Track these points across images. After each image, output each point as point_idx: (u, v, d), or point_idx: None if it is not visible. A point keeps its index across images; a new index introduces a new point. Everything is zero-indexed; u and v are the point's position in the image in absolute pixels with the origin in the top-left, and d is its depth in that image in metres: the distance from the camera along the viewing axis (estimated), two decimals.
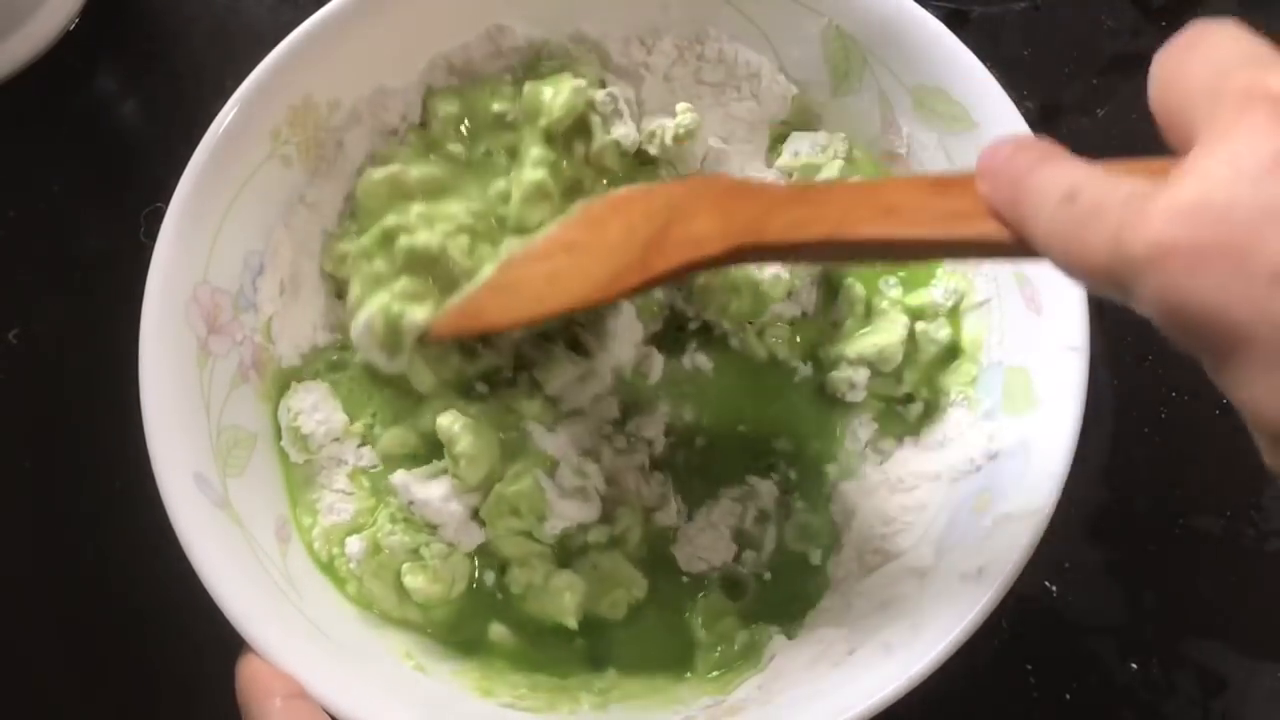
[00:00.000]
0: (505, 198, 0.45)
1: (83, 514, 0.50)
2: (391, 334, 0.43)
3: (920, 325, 0.46)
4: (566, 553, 0.44)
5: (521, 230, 0.44)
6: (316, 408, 0.45)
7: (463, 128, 0.47)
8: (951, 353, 0.46)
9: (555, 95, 0.45)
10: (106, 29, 0.59)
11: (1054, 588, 0.48)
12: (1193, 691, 0.47)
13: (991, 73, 0.44)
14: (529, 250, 0.42)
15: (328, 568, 0.43)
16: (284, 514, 0.44)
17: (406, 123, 0.48)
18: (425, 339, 0.43)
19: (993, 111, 0.44)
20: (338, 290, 0.47)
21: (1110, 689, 0.48)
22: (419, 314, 0.43)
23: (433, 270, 0.43)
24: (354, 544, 0.43)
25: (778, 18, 0.47)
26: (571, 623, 0.43)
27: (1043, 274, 0.42)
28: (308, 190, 0.46)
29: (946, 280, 0.46)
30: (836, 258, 0.35)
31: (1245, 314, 0.23)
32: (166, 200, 0.42)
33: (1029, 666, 0.48)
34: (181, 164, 0.42)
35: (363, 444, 0.45)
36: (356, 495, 0.44)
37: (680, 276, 0.36)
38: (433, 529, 0.43)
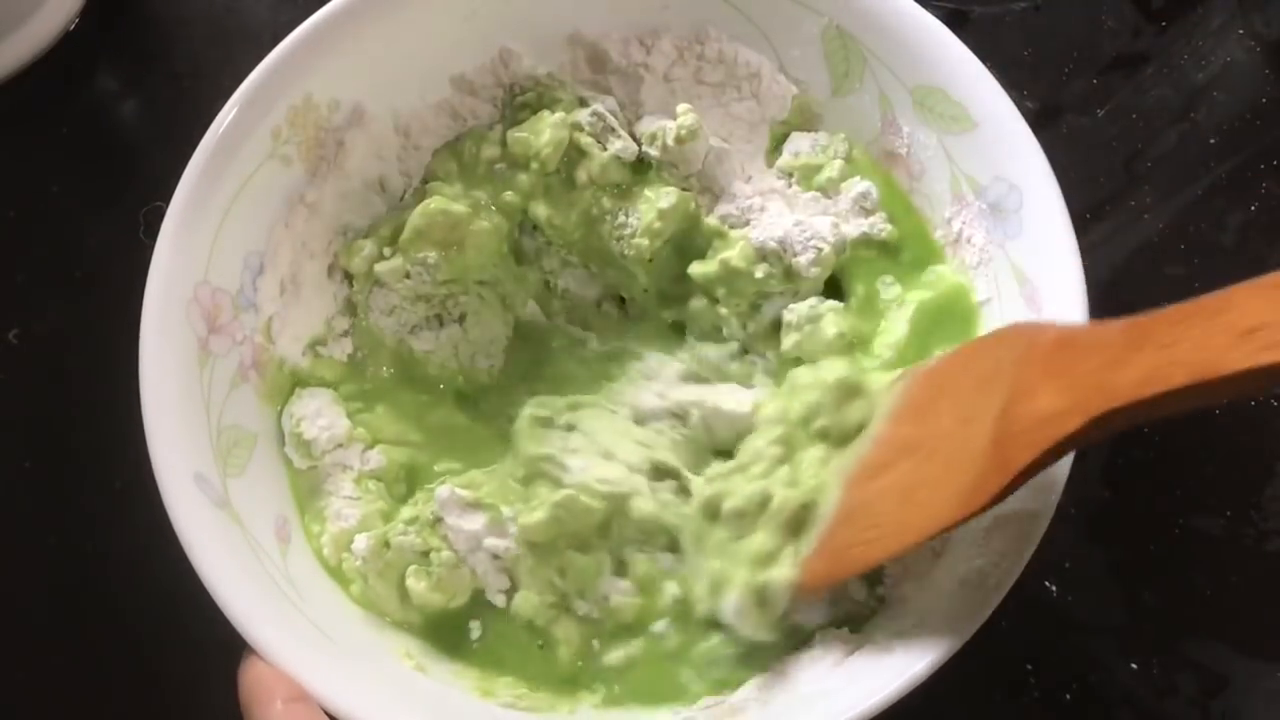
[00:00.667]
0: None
1: (83, 514, 0.50)
2: (764, 603, 0.40)
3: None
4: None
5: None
6: (320, 414, 0.45)
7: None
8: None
9: (538, 137, 0.46)
10: (106, 29, 0.59)
11: (1054, 588, 0.48)
12: (1193, 691, 0.47)
13: (991, 73, 0.44)
14: (865, 461, 0.38)
15: (335, 571, 0.43)
16: (285, 514, 0.44)
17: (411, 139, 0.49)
18: (798, 594, 0.40)
19: (992, 111, 0.44)
20: (348, 279, 0.48)
21: (1110, 689, 0.48)
22: (782, 574, 0.40)
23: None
24: (361, 540, 0.43)
25: (778, 17, 0.47)
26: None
27: (1042, 274, 0.42)
28: (308, 190, 0.46)
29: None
30: (1206, 399, 0.29)
31: None
32: (166, 199, 0.42)
33: (1029, 666, 0.48)
34: (181, 164, 0.42)
35: (368, 448, 0.45)
36: (363, 500, 0.44)
37: (1042, 468, 0.33)
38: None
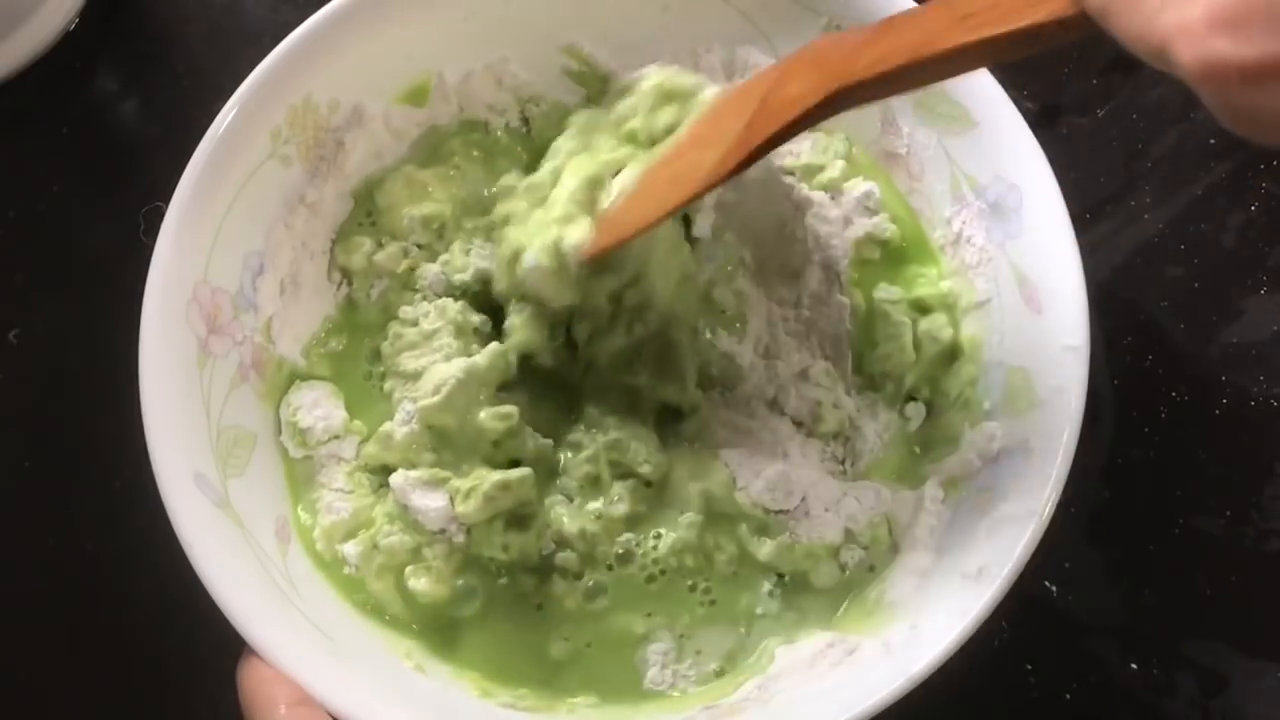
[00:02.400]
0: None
1: (83, 514, 0.50)
2: (558, 259, 0.42)
3: (923, 325, 0.46)
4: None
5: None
6: (317, 404, 0.45)
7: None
8: (952, 353, 0.46)
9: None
10: (106, 29, 0.59)
11: (1054, 588, 0.48)
12: (1193, 691, 0.47)
13: (991, 73, 0.44)
14: (664, 154, 0.42)
15: (329, 566, 0.43)
16: (284, 514, 0.44)
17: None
18: (584, 256, 0.42)
19: (993, 111, 0.44)
20: (347, 279, 0.48)
21: (1110, 689, 0.48)
22: (575, 234, 0.42)
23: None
24: (351, 548, 0.43)
25: (778, 18, 0.47)
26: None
27: (1042, 274, 0.42)
28: (308, 190, 0.46)
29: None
30: (927, 79, 0.35)
31: None
32: (167, 199, 0.42)
33: (1029, 666, 0.48)
34: (181, 164, 0.42)
35: (363, 441, 0.45)
36: (356, 494, 0.44)
37: (781, 140, 0.37)
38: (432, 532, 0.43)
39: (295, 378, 0.46)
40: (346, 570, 0.43)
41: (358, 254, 0.47)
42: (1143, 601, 0.49)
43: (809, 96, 0.35)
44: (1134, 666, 0.48)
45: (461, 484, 0.43)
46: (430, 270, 0.47)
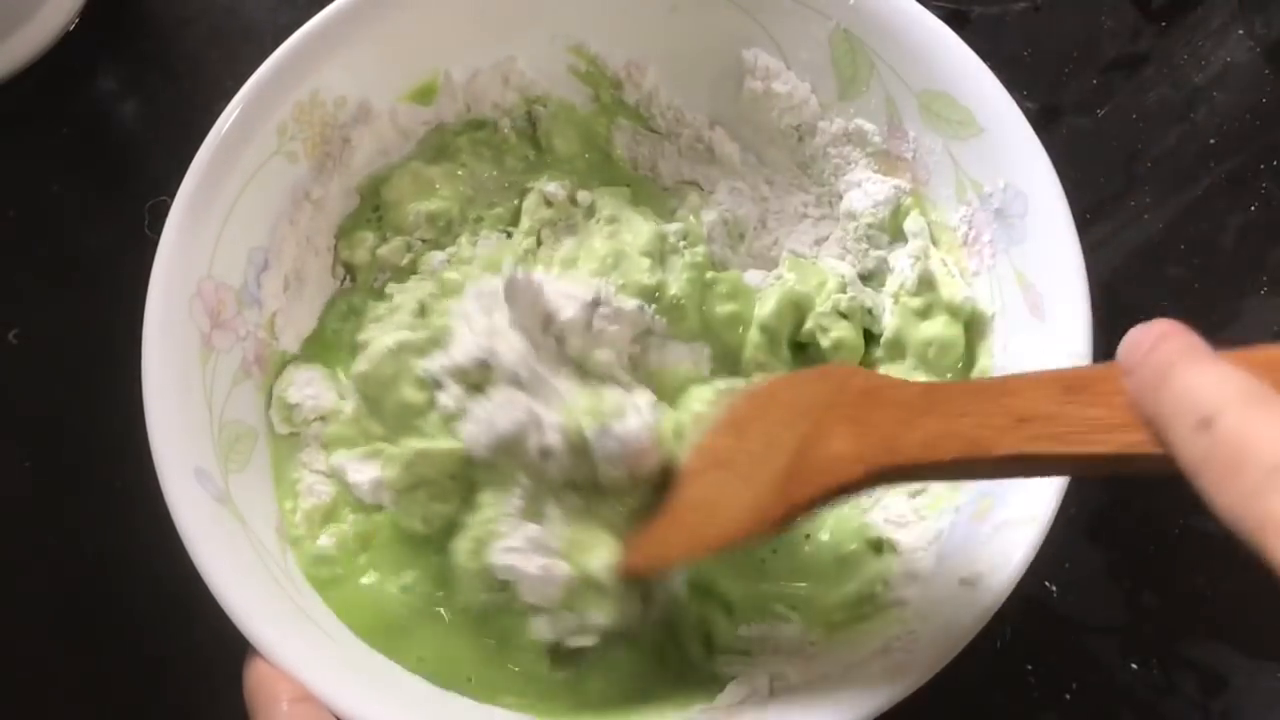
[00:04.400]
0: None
1: (83, 514, 0.50)
2: (589, 587, 0.41)
3: (930, 329, 0.46)
4: None
5: None
6: (310, 383, 0.45)
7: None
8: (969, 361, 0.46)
9: None
10: (106, 29, 0.59)
11: (1054, 588, 0.48)
12: (1193, 691, 0.47)
13: (995, 75, 0.44)
14: (690, 463, 0.41)
15: (314, 566, 0.43)
16: (275, 500, 0.44)
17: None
18: (620, 576, 0.41)
19: (999, 117, 0.44)
20: (350, 274, 0.48)
21: (1110, 689, 0.48)
22: (603, 558, 0.40)
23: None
24: (326, 540, 0.43)
25: (785, 21, 0.47)
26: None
27: (1046, 280, 0.42)
28: (313, 187, 0.46)
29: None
30: (975, 474, 0.33)
31: None
32: (168, 197, 0.42)
33: (1029, 666, 0.48)
34: (181, 163, 0.42)
35: None
36: (335, 478, 0.44)
37: (821, 506, 0.35)
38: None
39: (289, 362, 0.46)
40: (330, 571, 0.43)
41: (361, 248, 0.48)
42: (1143, 601, 0.49)
43: (851, 468, 0.33)
44: (1134, 666, 0.48)
45: (391, 452, 0.43)
46: (435, 258, 0.47)
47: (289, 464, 0.45)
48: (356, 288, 0.48)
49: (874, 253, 0.48)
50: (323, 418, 0.45)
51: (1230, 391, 0.23)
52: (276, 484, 0.44)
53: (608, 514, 0.41)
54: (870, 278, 0.49)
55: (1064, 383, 0.30)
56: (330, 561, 0.43)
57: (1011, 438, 0.29)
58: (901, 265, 0.47)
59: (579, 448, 0.40)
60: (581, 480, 0.41)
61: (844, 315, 0.47)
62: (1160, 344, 0.25)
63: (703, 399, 0.44)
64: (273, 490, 0.44)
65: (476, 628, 0.43)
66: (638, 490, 0.41)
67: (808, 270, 0.48)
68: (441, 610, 0.43)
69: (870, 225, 0.47)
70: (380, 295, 0.48)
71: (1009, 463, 0.30)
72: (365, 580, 0.43)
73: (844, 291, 0.47)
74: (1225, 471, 0.23)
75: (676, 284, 0.46)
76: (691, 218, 0.50)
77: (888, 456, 0.32)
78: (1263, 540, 0.22)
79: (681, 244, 0.48)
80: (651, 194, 0.52)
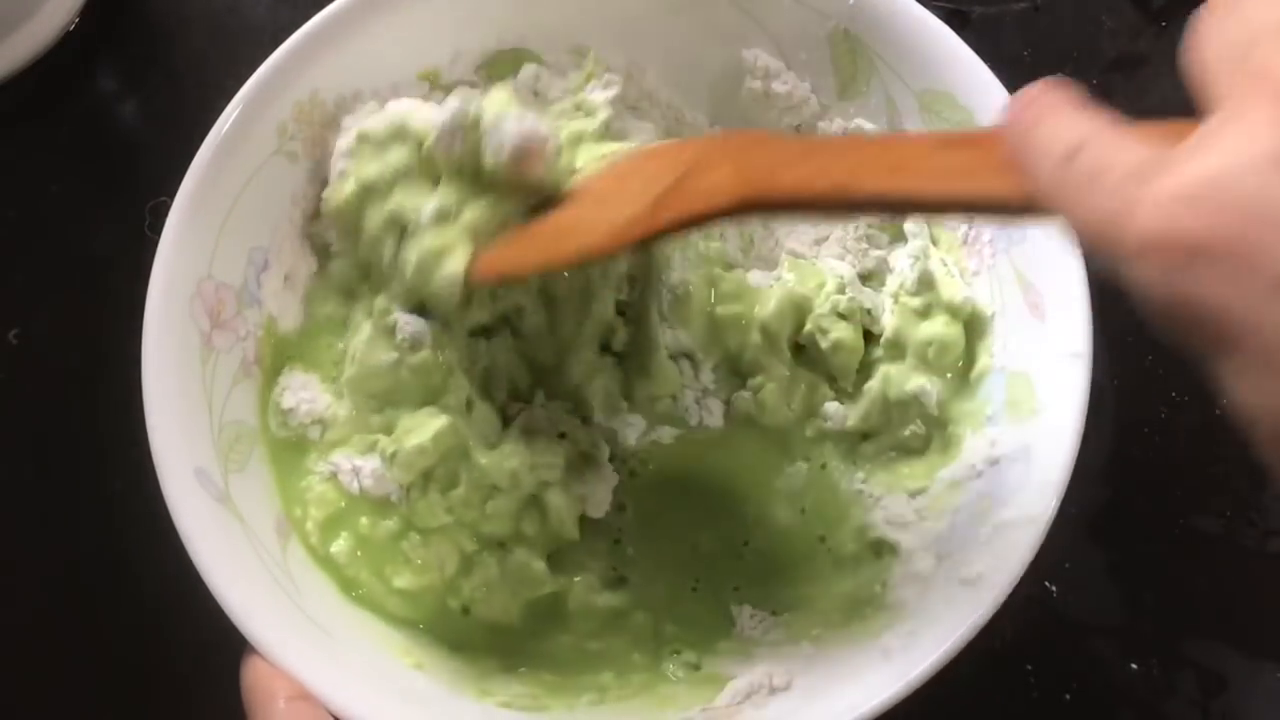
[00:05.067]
0: None
1: (83, 514, 0.50)
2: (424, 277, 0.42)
3: (929, 329, 0.46)
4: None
5: None
6: (304, 387, 0.45)
7: None
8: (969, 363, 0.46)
9: None
10: (106, 29, 0.59)
11: (1054, 588, 0.48)
12: (1193, 691, 0.47)
13: (993, 73, 0.44)
14: (567, 197, 0.42)
15: (326, 563, 0.43)
16: (282, 509, 0.44)
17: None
18: (467, 283, 0.42)
19: (999, 118, 0.43)
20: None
21: (1110, 689, 0.48)
22: (451, 266, 0.41)
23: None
24: (339, 545, 0.43)
25: (785, 20, 0.47)
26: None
27: (1046, 280, 0.42)
28: (313, 186, 0.46)
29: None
30: (844, 212, 0.35)
31: (1242, 316, 0.22)
32: (170, 196, 0.42)
33: (1029, 666, 0.48)
34: (181, 164, 0.42)
35: None
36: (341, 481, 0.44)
37: (688, 228, 0.36)
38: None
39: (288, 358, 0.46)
40: (346, 573, 0.43)
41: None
42: (1143, 601, 0.49)
43: (721, 196, 0.34)
44: (1134, 666, 0.48)
45: (387, 444, 0.43)
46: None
47: (294, 472, 0.44)
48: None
49: (873, 252, 0.48)
50: (319, 420, 0.45)
51: (1094, 126, 0.25)
52: (282, 492, 0.44)
53: (476, 215, 0.41)
54: (870, 278, 0.48)
55: (943, 137, 0.32)
56: (350, 565, 0.43)
57: (881, 179, 0.31)
58: (901, 265, 0.47)
59: (471, 127, 0.41)
60: (466, 168, 0.41)
61: (843, 316, 0.47)
62: (1039, 96, 0.27)
63: (595, 154, 0.44)
64: (275, 492, 0.44)
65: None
66: (514, 197, 0.41)
67: (807, 271, 0.48)
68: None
69: (870, 225, 0.47)
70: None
71: (877, 201, 0.32)
72: (395, 582, 0.43)
73: (843, 292, 0.47)
74: (1088, 185, 0.24)
75: (686, 272, 0.47)
76: None
77: (760, 188, 0.34)
78: (1122, 230, 0.23)
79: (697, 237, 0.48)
80: None
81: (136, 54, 0.59)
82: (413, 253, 0.42)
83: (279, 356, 0.45)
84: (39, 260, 0.55)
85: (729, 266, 0.49)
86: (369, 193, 0.43)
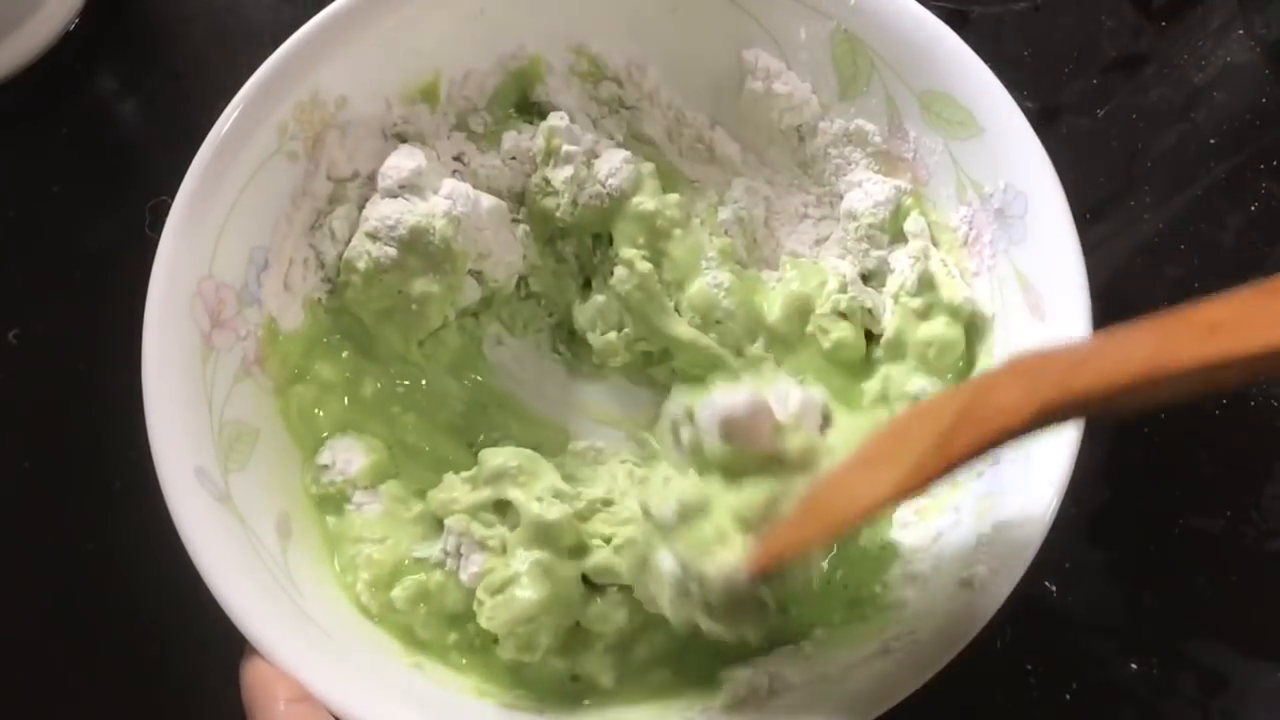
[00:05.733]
0: None
1: (83, 514, 0.50)
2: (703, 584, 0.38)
3: (930, 330, 0.46)
4: None
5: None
6: (347, 449, 0.45)
7: None
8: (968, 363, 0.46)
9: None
10: (106, 29, 0.59)
11: (1054, 588, 0.48)
12: (1193, 691, 0.47)
13: (995, 75, 0.44)
14: (836, 469, 0.37)
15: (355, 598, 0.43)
16: (286, 510, 0.44)
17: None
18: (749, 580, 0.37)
19: (1000, 118, 0.43)
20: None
21: (1110, 689, 0.48)
22: (728, 556, 0.37)
23: None
24: (399, 593, 0.43)
25: (786, 21, 0.47)
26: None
27: (1046, 281, 0.42)
28: (314, 186, 0.46)
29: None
30: (1157, 397, 0.29)
31: None
32: (170, 196, 0.42)
33: (1029, 666, 0.48)
34: (181, 164, 0.42)
35: (379, 484, 0.46)
36: (389, 540, 0.44)
37: (986, 453, 0.32)
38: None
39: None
40: (399, 618, 0.43)
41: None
42: (1143, 601, 0.49)
43: (1017, 410, 0.30)
44: (1134, 666, 0.48)
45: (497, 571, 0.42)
46: None
47: (344, 542, 0.44)
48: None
49: (874, 253, 0.48)
50: (353, 481, 0.45)
51: None
52: (333, 561, 0.44)
53: (735, 503, 0.37)
54: (871, 278, 0.48)
55: (1260, 288, 0.27)
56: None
57: (1201, 345, 0.27)
58: (902, 266, 0.47)
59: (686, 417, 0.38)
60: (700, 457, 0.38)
61: (844, 315, 0.47)
62: None
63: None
64: (273, 491, 0.43)
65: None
66: (767, 475, 0.37)
67: (809, 270, 0.48)
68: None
69: (871, 225, 0.47)
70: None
71: (1197, 375, 0.27)
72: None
73: (844, 291, 0.47)
74: None
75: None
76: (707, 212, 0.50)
77: (1058, 390, 0.30)
78: None
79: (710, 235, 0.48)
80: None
81: (136, 54, 0.59)
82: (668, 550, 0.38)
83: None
84: (39, 260, 0.55)
85: (743, 265, 0.49)
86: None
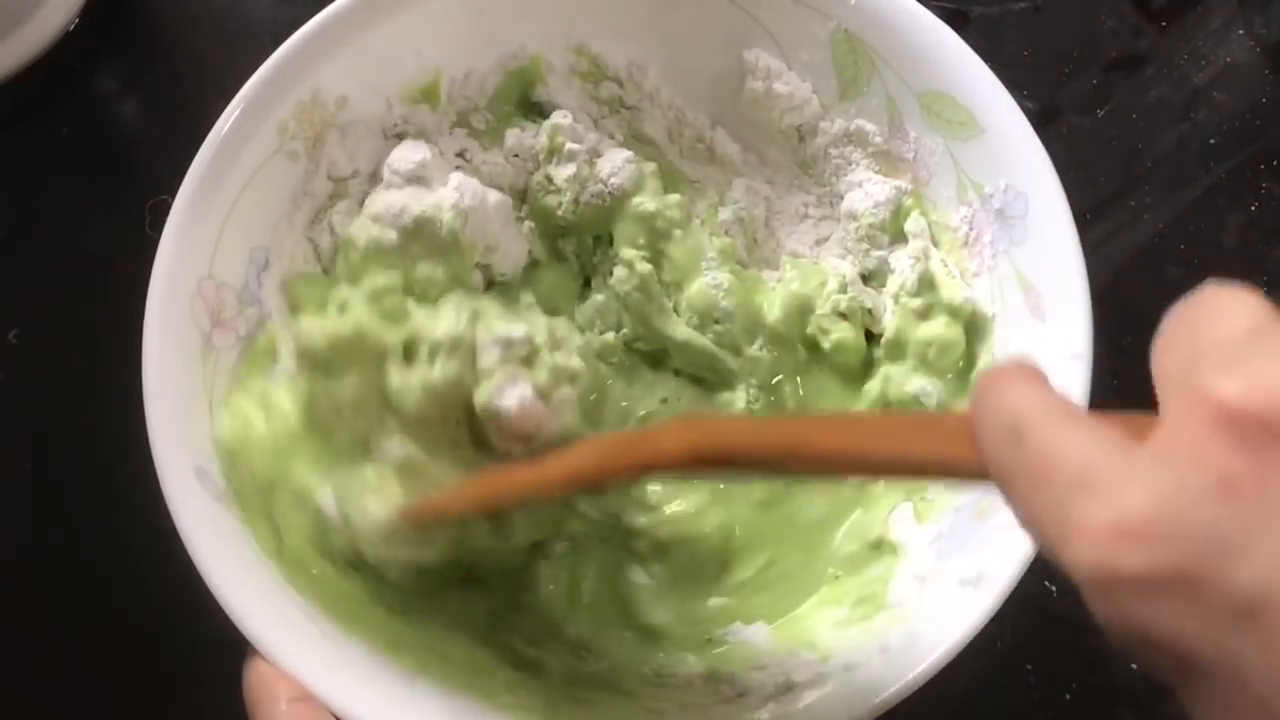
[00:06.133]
0: None
1: (83, 514, 0.50)
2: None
3: (930, 330, 0.46)
4: None
5: None
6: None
7: None
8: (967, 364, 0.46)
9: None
10: (106, 29, 0.59)
11: (1054, 588, 0.48)
12: None
13: (996, 76, 0.44)
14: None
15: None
16: None
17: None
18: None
19: (1001, 118, 0.43)
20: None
21: (1110, 689, 0.48)
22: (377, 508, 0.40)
23: None
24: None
25: (786, 20, 0.47)
26: None
27: (1047, 281, 0.42)
28: (314, 186, 0.46)
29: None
30: (799, 470, 0.33)
31: (1203, 649, 0.21)
32: (170, 195, 0.42)
33: (1029, 666, 0.48)
34: (181, 163, 0.42)
35: None
36: None
37: (634, 476, 0.36)
38: None
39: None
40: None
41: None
42: None
43: (671, 448, 0.33)
44: (1134, 666, 0.48)
45: None
46: None
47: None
48: None
49: (874, 253, 0.48)
50: None
51: (1040, 408, 0.24)
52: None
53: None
54: (871, 278, 0.49)
55: (909, 413, 0.33)
56: None
57: (841, 435, 0.30)
58: (902, 266, 0.47)
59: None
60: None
61: (844, 315, 0.47)
62: (1002, 369, 0.26)
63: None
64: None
65: None
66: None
67: (809, 271, 0.48)
68: None
69: (871, 226, 0.47)
70: None
71: (836, 459, 0.30)
72: None
73: (845, 291, 0.47)
74: (1032, 483, 0.24)
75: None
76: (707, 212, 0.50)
77: (714, 441, 0.33)
78: (1061, 547, 0.22)
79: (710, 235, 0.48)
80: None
81: (136, 54, 0.59)
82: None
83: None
84: (39, 260, 0.55)
85: (743, 265, 0.49)
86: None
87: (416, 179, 0.45)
